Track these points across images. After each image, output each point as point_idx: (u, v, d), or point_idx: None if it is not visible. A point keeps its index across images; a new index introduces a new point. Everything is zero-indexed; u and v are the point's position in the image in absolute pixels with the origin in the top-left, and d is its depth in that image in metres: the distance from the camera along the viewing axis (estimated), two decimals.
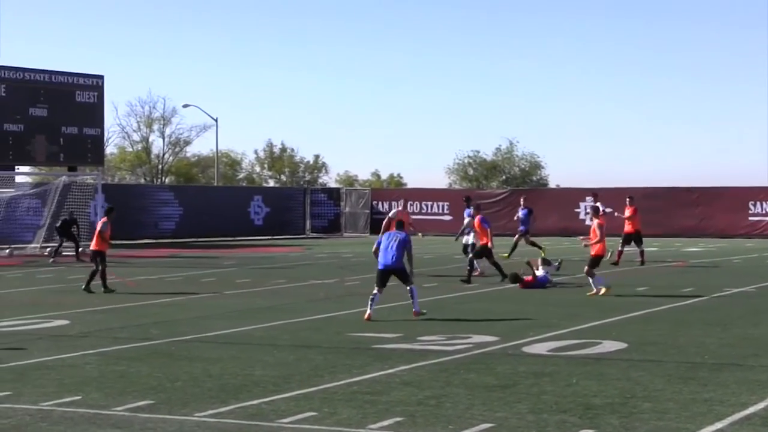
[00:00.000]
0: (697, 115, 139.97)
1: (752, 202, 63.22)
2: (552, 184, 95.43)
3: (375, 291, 23.89)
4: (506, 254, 41.21)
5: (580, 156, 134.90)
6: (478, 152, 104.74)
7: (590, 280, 28.64)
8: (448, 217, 70.16)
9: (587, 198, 64.47)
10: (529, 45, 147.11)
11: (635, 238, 42.72)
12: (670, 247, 53.24)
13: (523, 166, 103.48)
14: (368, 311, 23.37)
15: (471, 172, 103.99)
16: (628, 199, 44.17)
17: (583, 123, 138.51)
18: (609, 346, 19.12)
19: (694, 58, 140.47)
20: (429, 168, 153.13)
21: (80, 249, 46.11)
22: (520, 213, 44.19)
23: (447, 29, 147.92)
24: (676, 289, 30.13)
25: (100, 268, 30.31)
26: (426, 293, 28.28)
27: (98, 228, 31.13)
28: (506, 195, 71.39)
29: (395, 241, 24.13)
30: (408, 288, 24.03)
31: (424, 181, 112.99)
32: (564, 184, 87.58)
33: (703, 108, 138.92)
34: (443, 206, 71.30)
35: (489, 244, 32.85)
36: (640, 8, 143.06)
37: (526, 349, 18.82)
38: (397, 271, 24.11)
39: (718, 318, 23.36)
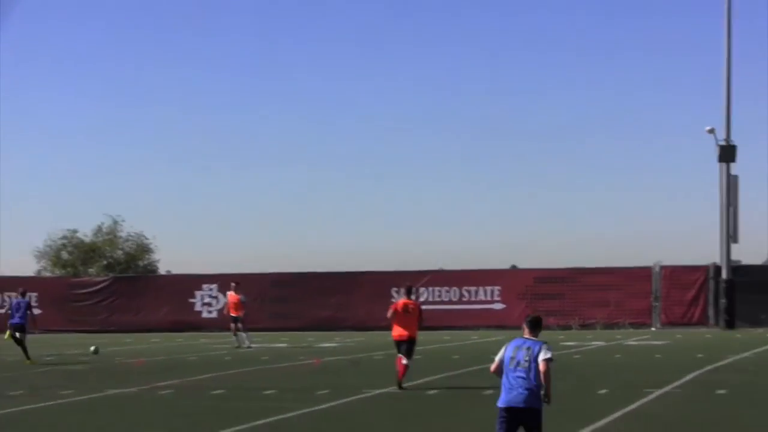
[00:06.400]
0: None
1: (395, 289, 45.35)
2: (162, 270, 69.56)
3: None
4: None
5: (191, 240, 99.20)
6: (76, 232, 73.59)
7: None
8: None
9: (204, 286, 51.65)
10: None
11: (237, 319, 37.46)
12: (302, 342, 40.06)
13: (128, 249, 73.70)
14: None
15: (66, 255, 73.08)
16: (233, 285, 38.71)
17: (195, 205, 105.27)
18: None
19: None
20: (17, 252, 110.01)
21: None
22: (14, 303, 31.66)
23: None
24: (309, 391, 21.45)
25: None
26: None
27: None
28: (108, 283, 55.20)
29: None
30: None
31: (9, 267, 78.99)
32: (177, 270, 65.35)
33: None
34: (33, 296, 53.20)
35: None
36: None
37: None
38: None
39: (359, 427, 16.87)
